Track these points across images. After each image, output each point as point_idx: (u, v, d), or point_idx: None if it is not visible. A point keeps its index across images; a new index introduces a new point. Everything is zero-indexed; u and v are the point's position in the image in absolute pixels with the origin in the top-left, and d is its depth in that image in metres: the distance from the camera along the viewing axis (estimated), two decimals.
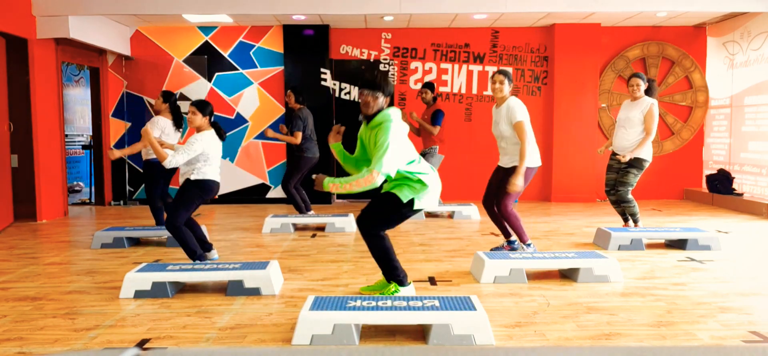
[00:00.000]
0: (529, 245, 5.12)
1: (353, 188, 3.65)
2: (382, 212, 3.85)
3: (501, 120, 4.98)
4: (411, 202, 3.77)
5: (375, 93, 3.76)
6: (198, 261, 4.62)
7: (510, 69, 5.03)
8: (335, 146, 4.09)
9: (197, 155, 4.64)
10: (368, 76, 3.81)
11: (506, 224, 5.15)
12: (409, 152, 3.78)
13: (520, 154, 4.88)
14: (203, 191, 4.72)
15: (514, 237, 5.29)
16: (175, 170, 6.14)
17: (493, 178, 5.21)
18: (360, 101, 3.81)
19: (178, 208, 4.69)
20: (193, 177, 4.69)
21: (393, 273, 3.92)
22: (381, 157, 3.61)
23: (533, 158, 4.95)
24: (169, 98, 6.08)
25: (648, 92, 5.71)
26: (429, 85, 7.37)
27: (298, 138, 6.84)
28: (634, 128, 5.66)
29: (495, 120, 5.08)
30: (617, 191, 5.78)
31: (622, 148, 5.74)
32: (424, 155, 7.33)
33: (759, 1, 7.40)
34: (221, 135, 4.84)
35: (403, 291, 3.93)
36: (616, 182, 5.79)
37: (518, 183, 4.84)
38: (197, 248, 4.72)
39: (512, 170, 4.93)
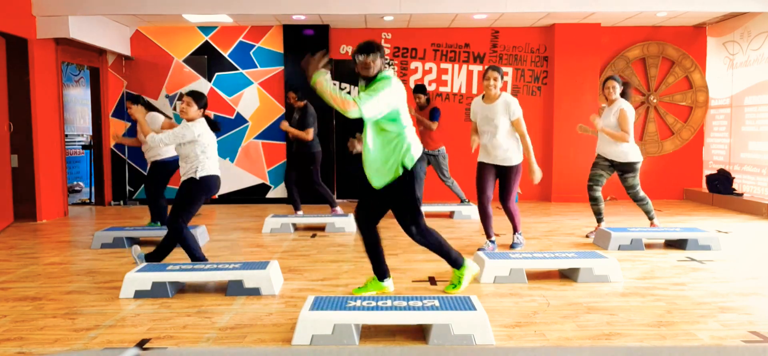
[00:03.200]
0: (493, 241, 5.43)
1: (331, 99, 3.49)
2: (411, 196, 3.78)
3: (497, 115, 5.12)
4: (412, 163, 3.76)
5: (373, 55, 3.74)
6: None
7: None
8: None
9: (191, 145, 4.54)
10: (364, 43, 3.79)
11: (516, 218, 5.44)
12: (407, 116, 3.79)
13: (526, 147, 5.15)
14: (207, 189, 4.64)
15: (494, 237, 5.48)
16: (174, 171, 6.19)
17: (489, 177, 5.30)
18: (359, 65, 3.77)
19: (182, 209, 4.60)
20: (198, 175, 4.58)
21: (449, 259, 3.99)
22: (368, 98, 3.56)
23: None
24: (139, 99, 6.19)
25: (623, 94, 5.86)
26: (421, 89, 7.44)
27: (310, 134, 7.09)
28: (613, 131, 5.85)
29: (487, 116, 5.18)
30: (629, 193, 5.91)
31: (608, 152, 5.90)
32: (433, 156, 7.43)
33: (759, 1, 7.40)
34: (215, 127, 4.74)
35: (467, 272, 4.02)
36: (626, 189, 5.92)
37: (538, 173, 5.14)
38: (199, 251, 4.68)
39: (511, 170, 5.22)
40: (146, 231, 6.01)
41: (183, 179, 4.66)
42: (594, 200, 5.99)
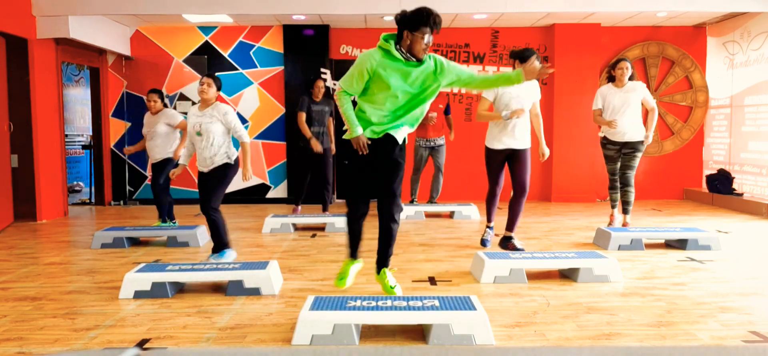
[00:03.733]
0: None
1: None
2: (400, 165, 3.79)
3: (524, 94, 5.18)
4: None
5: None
6: (226, 250, 4.92)
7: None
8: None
9: (224, 128, 4.83)
10: (436, 16, 3.65)
11: (518, 218, 5.43)
12: None
13: (539, 125, 5.37)
14: (236, 168, 4.94)
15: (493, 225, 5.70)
16: (174, 167, 6.26)
17: (502, 165, 5.36)
18: (425, 44, 3.64)
19: (219, 193, 4.83)
20: (232, 160, 4.86)
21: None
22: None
23: None
24: (162, 94, 6.62)
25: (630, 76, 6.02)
26: None
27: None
28: (635, 111, 5.91)
29: (520, 95, 5.16)
30: (624, 174, 5.99)
31: (628, 135, 5.93)
32: (439, 146, 7.67)
33: (759, 1, 7.40)
34: None
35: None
36: (624, 167, 6.00)
37: (547, 151, 5.37)
38: (226, 236, 4.92)
39: (526, 152, 5.27)
40: (147, 232, 6.01)
41: (215, 165, 4.83)
42: (616, 188, 6.07)
